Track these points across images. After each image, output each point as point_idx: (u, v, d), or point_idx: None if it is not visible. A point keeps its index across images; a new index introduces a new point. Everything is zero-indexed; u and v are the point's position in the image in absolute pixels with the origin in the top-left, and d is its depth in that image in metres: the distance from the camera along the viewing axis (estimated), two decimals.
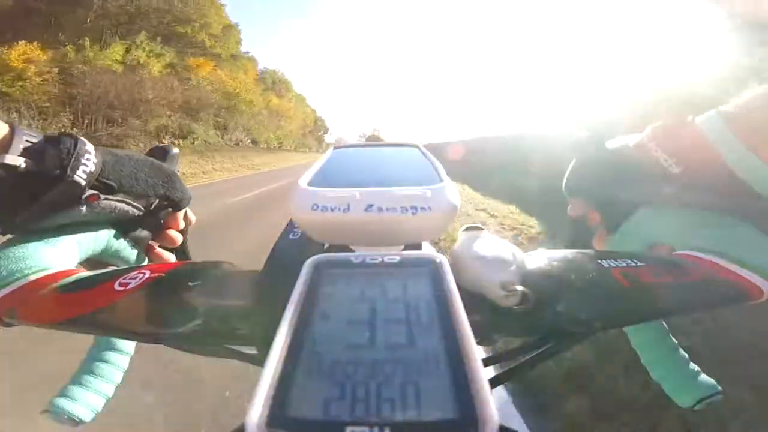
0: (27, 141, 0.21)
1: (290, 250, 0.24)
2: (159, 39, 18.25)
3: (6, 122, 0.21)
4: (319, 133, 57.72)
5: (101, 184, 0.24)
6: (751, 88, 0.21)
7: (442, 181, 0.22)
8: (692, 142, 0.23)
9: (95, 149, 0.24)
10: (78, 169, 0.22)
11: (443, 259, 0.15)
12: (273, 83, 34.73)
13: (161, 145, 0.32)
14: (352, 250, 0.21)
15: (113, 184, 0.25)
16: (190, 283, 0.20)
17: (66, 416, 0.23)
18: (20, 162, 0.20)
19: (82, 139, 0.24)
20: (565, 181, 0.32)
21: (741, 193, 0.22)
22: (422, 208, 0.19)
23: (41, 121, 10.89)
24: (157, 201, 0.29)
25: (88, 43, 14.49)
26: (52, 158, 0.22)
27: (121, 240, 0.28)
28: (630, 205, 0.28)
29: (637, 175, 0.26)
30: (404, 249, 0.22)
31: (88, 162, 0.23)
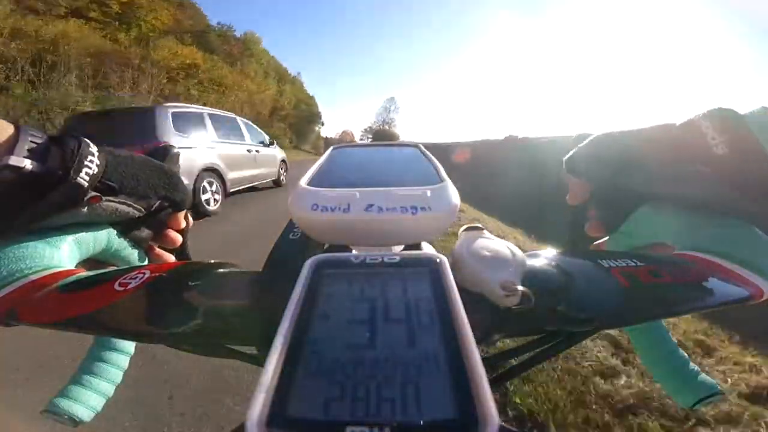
0: (32, 141, 0.21)
1: (290, 250, 0.24)
2: None
3: (11, 122, 0.21)
4: (312, 125, 42.99)
5: (103, 185, 0.24)
6: None
7: (442, 181, 0.22)
8: (739, 130, 0.23)
9: (98, 150, 0.24)
10: (81, 171, 0.22)
11: (443, 259, 0.15)
12: (222, 39, 24.29)
13: (161, 145, 0.32)
14: (352, 250, 0.21)
15: (115, 185, 0.25)
16: (190, 283, 0.20)
17: (66, 416, 0.23)
18: (25, 163, 0.20)
19: (86, 140, 0.24)
20: (568, 157, 0.30)
21: None
22: (422, 208, 0.19)
23: None
24: (158, 202, 0.29)
25: None
26: (55, 160, 0.22)
27: (122, 240, 0.28)
28: (631, 202, 0.28)
29: (667, 152, 0.25)
30: (404, 249, 0.22)
31: (91, 164, 0.23)
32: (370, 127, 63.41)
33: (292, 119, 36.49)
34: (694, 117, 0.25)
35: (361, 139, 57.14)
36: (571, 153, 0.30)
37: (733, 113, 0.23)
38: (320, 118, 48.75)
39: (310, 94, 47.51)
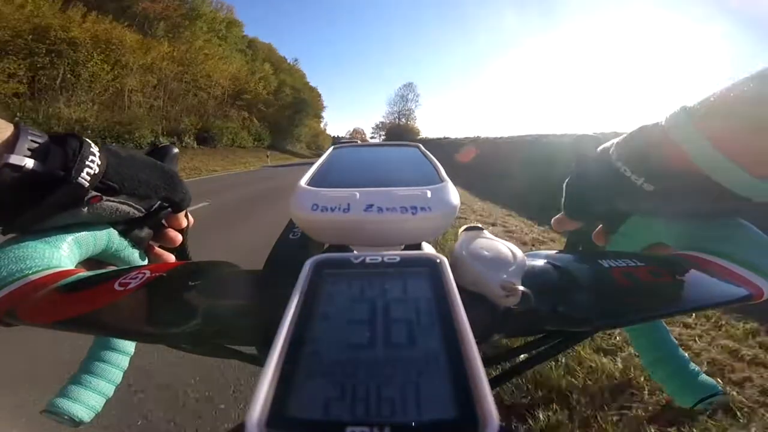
0: (32, 141, 0.21)
1: (290, 249, 0.24)
2: None
3: (12, 122, 0.21)
4: (301, 116, 30.18)
5: (104, 185, 0.24)
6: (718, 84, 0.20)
7: (442, 181, 0.22)
8: (660, 149, 0.22)
9: (99, 150, 0.24)
10: (82, 171, 0.22)
11: (443, 259, 0.15)
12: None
13: (162, 145, 0.32)
14: (352, 250, 0.21)
15: (115, 185, 0.25)
16: (190, 283, 0.20)
17: (66, 416, 0.23)
18: (25, 162, 0.20)
19: (87, 140, 0.24)
20: (564, 204, 0.31)
21: (718, 195, 0.20)
22: (422, 208, 0.20)
23: None
24: (158, 202, 0.29)
25: None
26: (57, 159, 0.22)
27: (122, 240, 0.28)
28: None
29: (620, 190, 0.25)
30: (404, 249, 0.22)
31: (92, 164, 0.23)
32: (382, 123, 50.17)
33: (269, 107, 25.89)
34: (610, 154, 0.25)
35: (372, 138, 49.63)
36: (563, 199, 0.31)
37: (639, 136, 0.23)
38: (312, 108, 34.22)
39: (311, 85, 37.97)
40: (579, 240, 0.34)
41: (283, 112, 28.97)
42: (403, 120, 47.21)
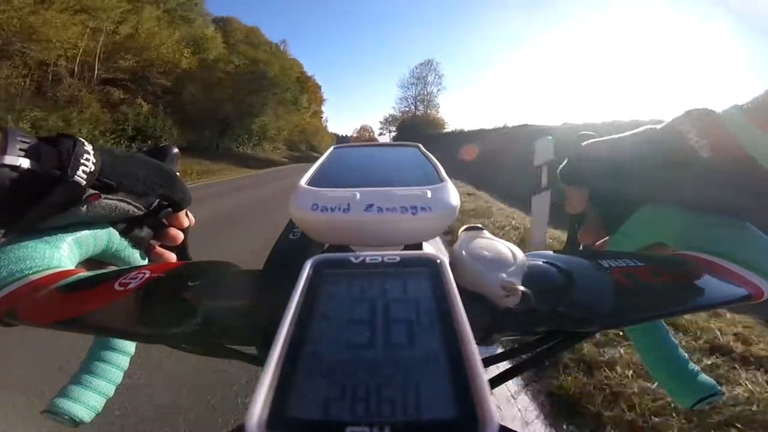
0: (22, 142, 0.21)
1: (290, 250, 0.24)
2: None
3: None
4: (261, 98, 18.10)
5: (101, 183, 0.24)
6: None
7: (442, 181, 0.22)
8: (719, 131, 0.23)
9: (94, 149, 0.24)
10: (78, 169, 0.22)
11: (443, 259, 0.15)
12: None
13: (161, 145, 0.32)
14: (352, 250, 0.21)
15: (113, 183, 0.25)
16: (190, 283, 0.20)
17: (66, 416, 0.23)
18: (21, 162, 0.20)
19: (80, 139, 0.24)
20: (562, 167, 0.31)
21: (762, 180, 0.22)
22: (422, 209, 0.20)
23: None
24: (158, 201, 0.29)
25: None
26: (51, 159, 0.22)
27: (121, 240, 0.28)
28: (630, 203, 0.28)
29: (656, 160, 0.25)
30: (404, 249, 0.22)
31: (88, 162, 0.23)
32: (392, 116, 38.57)
33: (187, 83, 15.75)
34: (674, 120, 0.25)
35: (380, 134, 44.67)
36: (564, 164, 0.31)
37: (711, 113, 0.23)
38: (290, 92, 23.30)
39: (308, 74, 27.87)
40: (578, 238, 0.34)
41: (236, 91, 17.84)
42: (420, 108, 34.18)
